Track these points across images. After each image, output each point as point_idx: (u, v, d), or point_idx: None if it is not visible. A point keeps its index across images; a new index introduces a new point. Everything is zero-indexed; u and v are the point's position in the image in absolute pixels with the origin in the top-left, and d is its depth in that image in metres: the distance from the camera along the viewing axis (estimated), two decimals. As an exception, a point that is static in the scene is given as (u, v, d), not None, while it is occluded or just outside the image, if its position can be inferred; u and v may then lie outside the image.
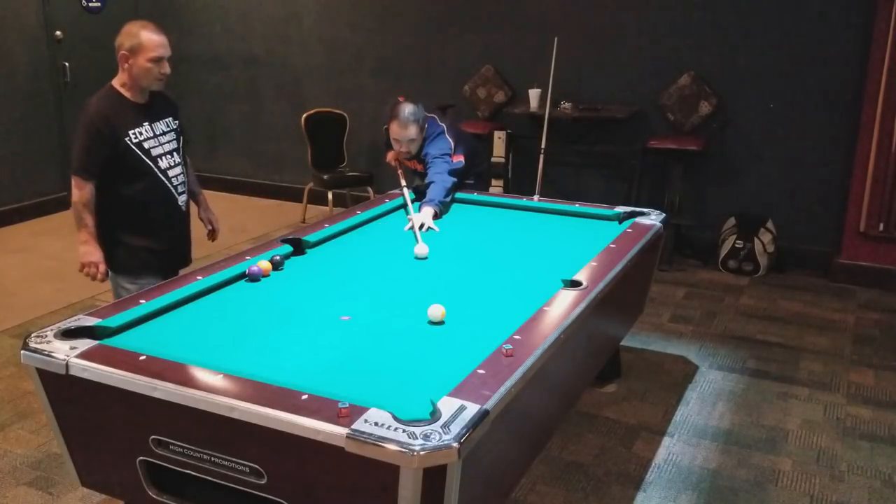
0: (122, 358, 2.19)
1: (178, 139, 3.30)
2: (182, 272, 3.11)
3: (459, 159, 4.03)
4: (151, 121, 3.17)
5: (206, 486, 2.13)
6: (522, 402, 2.20)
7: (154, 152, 3.15)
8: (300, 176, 6.95)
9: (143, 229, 3.20)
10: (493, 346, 2.27)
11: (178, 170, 3.27)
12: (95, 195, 3.09)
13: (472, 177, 4.30)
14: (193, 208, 3.52)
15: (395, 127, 3.92)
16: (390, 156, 4.35)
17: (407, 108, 3.90)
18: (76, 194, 3.08)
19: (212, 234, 3.60)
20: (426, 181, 3.93)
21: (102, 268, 3.15)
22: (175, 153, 3.26)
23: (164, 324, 2.56)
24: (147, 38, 3.06)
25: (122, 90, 3.12)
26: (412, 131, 3.91)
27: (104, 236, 3.16)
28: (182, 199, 3.31)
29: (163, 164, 3.19)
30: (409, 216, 3.68)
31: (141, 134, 3.12)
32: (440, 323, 2.55)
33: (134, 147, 3.09)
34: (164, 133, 3.21)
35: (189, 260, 3.51)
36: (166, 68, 3.11)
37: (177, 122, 3.32)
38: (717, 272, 5.46)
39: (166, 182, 3.20)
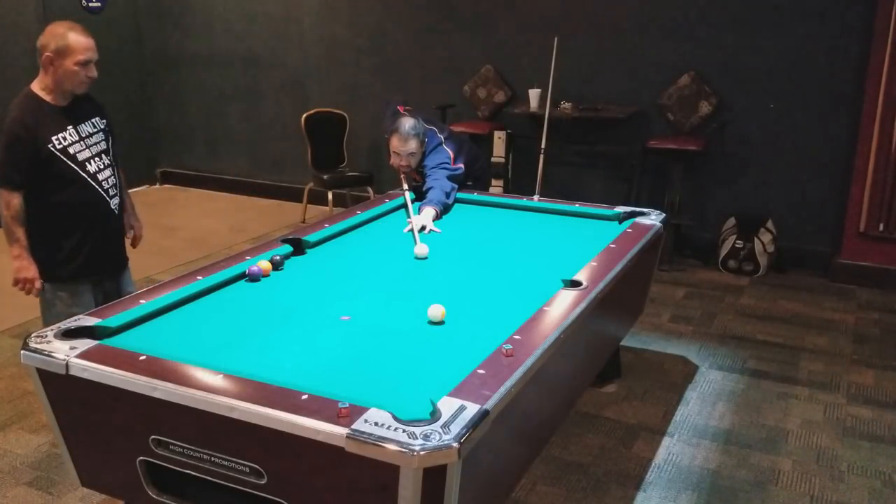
0: (122, 358, 2.19)
1: (107, 139, 3.16)
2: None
3: (459, 166, 4.05)
4: (76, 123, 3.03)
5: (206, 486, 2.13)
6: (522, 402, 2.19)
7: (80, 157, 3.02)
8: (300, 176, 6.95)
9: (75, 237, 3.07)
10: (493, 346, 2.27)
11: (108, 172, 3.13)
12: (24, 205, 2.97)
13: (471, 179, 4.31)
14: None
15: (396, 141, 3.93)
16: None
17: (408, 123, 3.91)
18: (3, 208, 2.95)
19: (133, 241, 3.43)
20: (425, 188, 3.94)
21: (38, 284, 3.04)
22: (104, 155, 3.13)
23: (164, 324, 2.56)
24: (75, 41, 2.91)
25: (43, 94, 2.98)
26: (412, 145, 3.92)
27: (35, 246, 3.04)
28: (115, 203, 3.17)
29: (91, 167, 3.05)
30: (409, 219, 3.68)
31: (65, 139, 2.98)
32: (440, 323, 2.55)
33: (58, 153, 2.96)
34: (90, 135, 3.08)
35: (124, 263, 3.35)
36: (93, 72, 2.98)
37: (104, 121, 3.18)
38: (717, 272, 5.46)
39: (96, 186, 3.07)
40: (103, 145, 3.14)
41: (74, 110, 3.05)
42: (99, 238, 3.14)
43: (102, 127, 3.17)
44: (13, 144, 2.92)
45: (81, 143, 3.04)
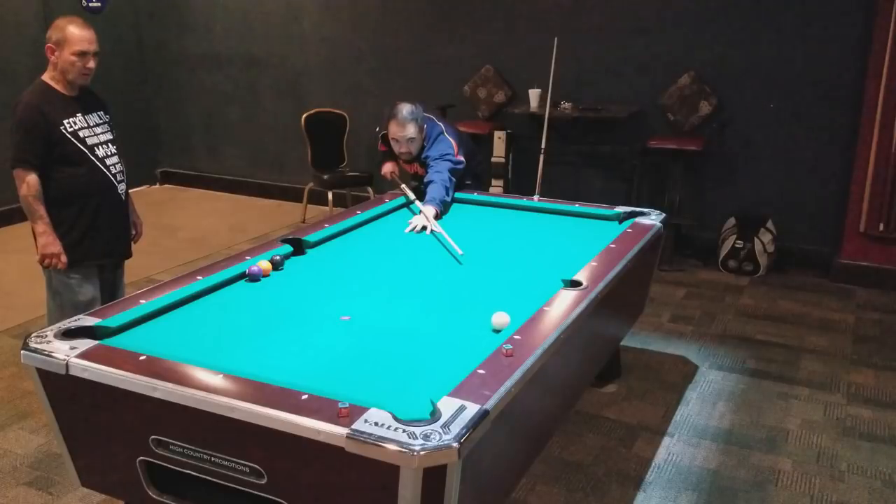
0: (122, 358, 2.19)
1: (111, 131, 3.35)
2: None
3: (461, 159, 4.02)
4: (84, 112, 3.22)
5: (207, 486, 2.13)
6: (522, 402, 2.19)
7: (90, 141, 3.20)
8: (300, 176, 6.95)
9: (85, 217, 3.23)
10: (493, 346, 2.27)
11: (115, 159, 3.31)
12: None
13: (469, 177, 4.29)
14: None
15: (394, 126, 3.91)
16: (386, 169, 4.35)
17: (405, 108, 3.89)
18: (23, 188, 3.11)
19: (134, 238, 3.59)
20: (425, 180, 3.91)
21: (64, 258, 3.19)
22: (110, 144, 3.31)
23: (164, 324, 2.57)
24: (71, 32, 3.10)
25: (52, 83, 3.18)
26: (411, 130, 3.90)
27: None
28: (122, 188, 3.36)
29: (100, 152, 3.24)
30: (409, 220, 3.66)
31: (75, 123, 3.17)
32: (499, 331, 2.44)
33: (69, 136, 3.14)
34: (97, 124, 3.27)
35: (129, 252, 3.52)
36: (91, 63, 3.16)
37: (108, 116, 3.37)
38: (717, 272, 5.46)
39: (104, 170, 3.25)
40: (109, 135, 3.33)
41: (82, 101, 3.24)
42: (107, 220, 3.31)
43: (107, 120, 3.35)
44: (27, 126, 3.09)
45: (90, 129, 3.23)
